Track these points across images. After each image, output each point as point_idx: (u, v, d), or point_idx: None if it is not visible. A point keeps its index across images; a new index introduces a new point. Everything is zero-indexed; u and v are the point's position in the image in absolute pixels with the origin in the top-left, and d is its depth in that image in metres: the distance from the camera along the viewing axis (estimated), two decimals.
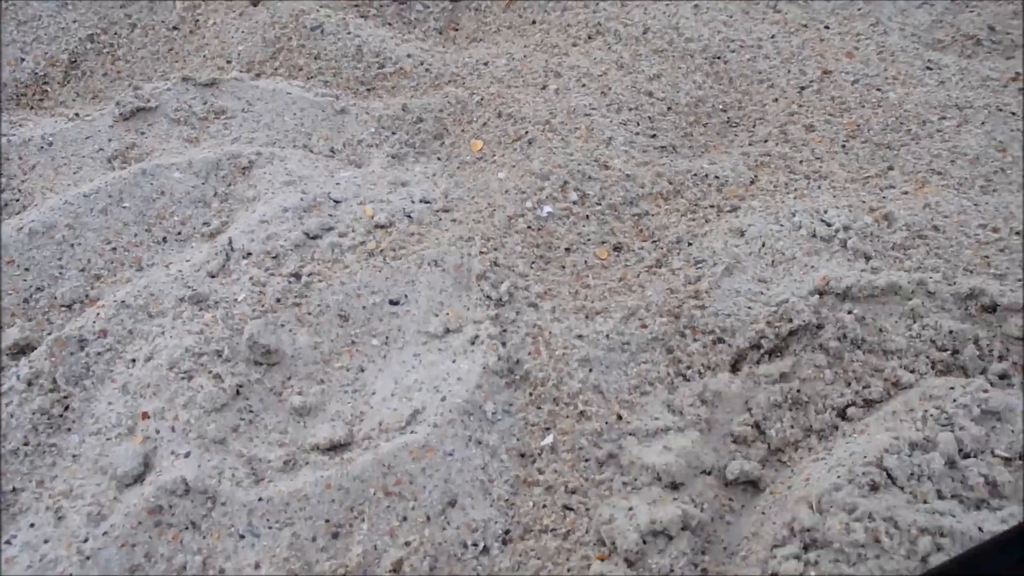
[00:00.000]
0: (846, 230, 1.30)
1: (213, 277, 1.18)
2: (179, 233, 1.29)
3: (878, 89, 1.64)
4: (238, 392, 1.04)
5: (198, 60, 1.74)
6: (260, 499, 0.93)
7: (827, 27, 1.83)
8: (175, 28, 1.80)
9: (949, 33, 1.83)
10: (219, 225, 1.30)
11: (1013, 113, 1.57)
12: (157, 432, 0.99)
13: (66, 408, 1.02)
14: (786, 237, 1.29)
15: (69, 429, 1.01)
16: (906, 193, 1.41)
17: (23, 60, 1.71)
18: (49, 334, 1.13)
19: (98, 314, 1.11)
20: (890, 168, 1.49)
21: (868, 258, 1.26)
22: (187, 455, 0.97)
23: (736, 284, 1.21)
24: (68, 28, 1.77)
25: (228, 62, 1.71)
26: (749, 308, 1.17)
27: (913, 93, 1.62)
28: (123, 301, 1.13)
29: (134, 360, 1.07)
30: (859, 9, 1.86)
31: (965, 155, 1.49)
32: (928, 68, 1.70)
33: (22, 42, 1.73)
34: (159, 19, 1.81)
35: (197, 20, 1.81)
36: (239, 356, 1.08)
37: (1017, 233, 1.32)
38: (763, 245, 1.27)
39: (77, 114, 1.53)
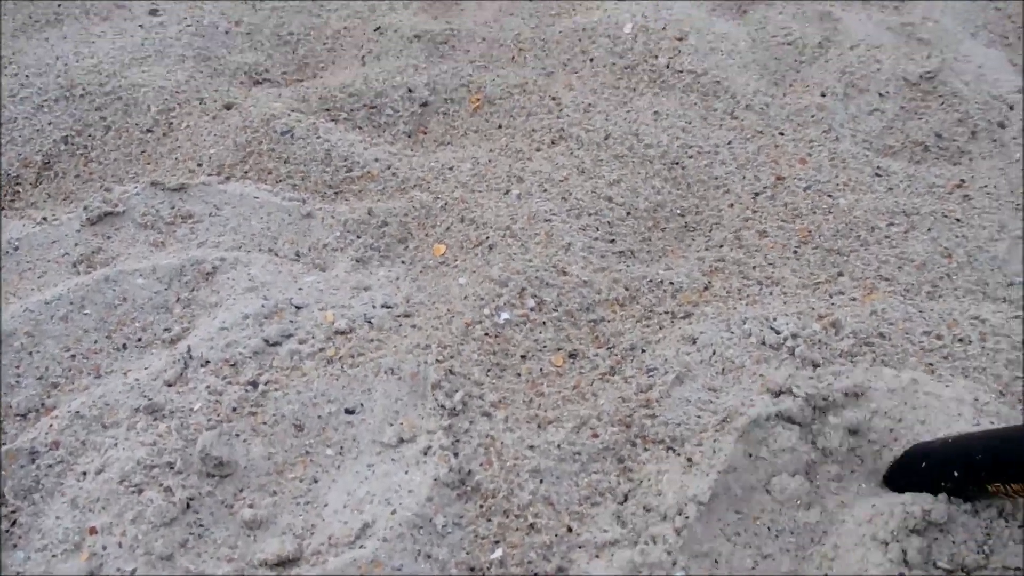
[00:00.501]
0: (795, 338, 1.33)
1: (170, 386, 1.19)
2: (139, 340, 1.31)
3: (829, 196, 1.70)
4: (188, 505, 1.05)
5: (170, 162, 1.78)
6: None
7: (782, 133, 1.89)
8: (149, 131, 1.84)
9: (899, 139, 1.91)
10: (180, 331, 1.32)
11: (958, 219, 1.63)
12: (104, 548, 0.99)
13: (13, 523, 1.02)
14: (736, 345, 1.32)
15: (15, 545, 1.01)
16: (854, 299, 1.46)
17: None
18: (2, 444, 1.13)
19: (51, 425, 1.11)
20: (840, 274, 1.53)
21: (816, 366, 1.29)
22: (133, 572, 0.97)
23: (686, 393, 1.24)
24: (43, 130, 1.81)
25: (199, 165, 1.75)
26: (698, 417, 1.19)
27: (863, 200, 1.68)
28: (77, 412, 1.14)
29: (85, 473, 1.07)
30: (812, 116, 1.93)
31: (912, 261, 1.54)
32: (878, 175, 1.77)
33: None
34: (133, 121, 1.85)
35: (171, 123, 1.86)
36: (191, 468, 1.09)
37: (960, 340, 1.36)
38: (714, 353, 1.30)
39: (45, 218, 1.56)
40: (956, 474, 1.03)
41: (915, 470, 1.10)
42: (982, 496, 1.05)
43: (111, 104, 1.87)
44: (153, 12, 2.19)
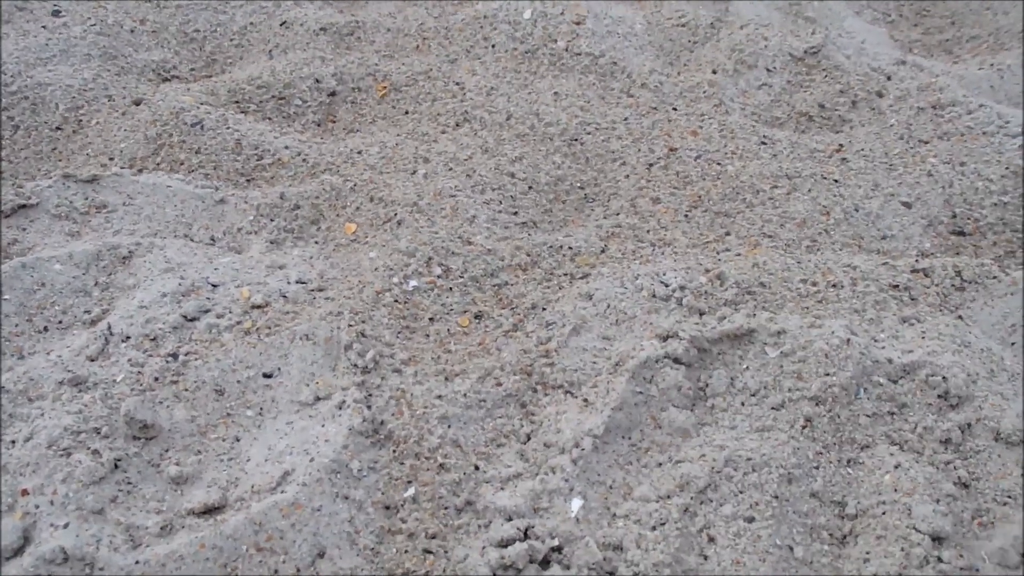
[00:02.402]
0: (682, 290, 1.44)
1: (92, 360, 1.24)
2: (60, 322, 1.36)
3: (718, 163, 1.82)
4: (116, 465, 1.11)
5: (81, 158, 1.81)
6: (137, 562, 1.00)
7: (675, 109, 2.02)
8: (58, 128, 1.87)
9: (785, 111, 2.05)
10: (100, 313, 1.37)
11: (836, 180, 1.77)
12: (36, 507, 1.05)
13: None
14: (629, 298, 1.43)
15: None
16: (739, 255, 1.58)
17: None
18: None
19: None
20: (727, 233, 1.66)
21: (702, 314, 1.41)
22: (66, 526, 1.02)
23: (582, 342, 1.34)
24: None
25: (111, 159, 1.79)
26: (594, 363, 1.30)
27: (749, 166, 1.81)
28: (2, 387, 1.18)
29: (13, 441, 1.12)
30: (704, 92, 2.06)
31: (793, 219, 1.68)
32: (764, 143, 1.90)
33: None
34: (42, 120, 1.88)
35: (80, 120, 1.89)
36: (117, 432, 1.15)
37: (834, 285, 1.49)
38: (608, 307, 1.41)
39: None
40: None
41: None
42: None
43: (18, 104, 1.90)
44: (56, 13, 2.20)
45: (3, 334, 1.31)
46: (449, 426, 1.19)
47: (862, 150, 1.84)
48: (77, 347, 1.26)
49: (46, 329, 1.34)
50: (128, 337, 1.28)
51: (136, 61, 2.10)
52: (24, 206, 1.56)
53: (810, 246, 1.61)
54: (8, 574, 0.98)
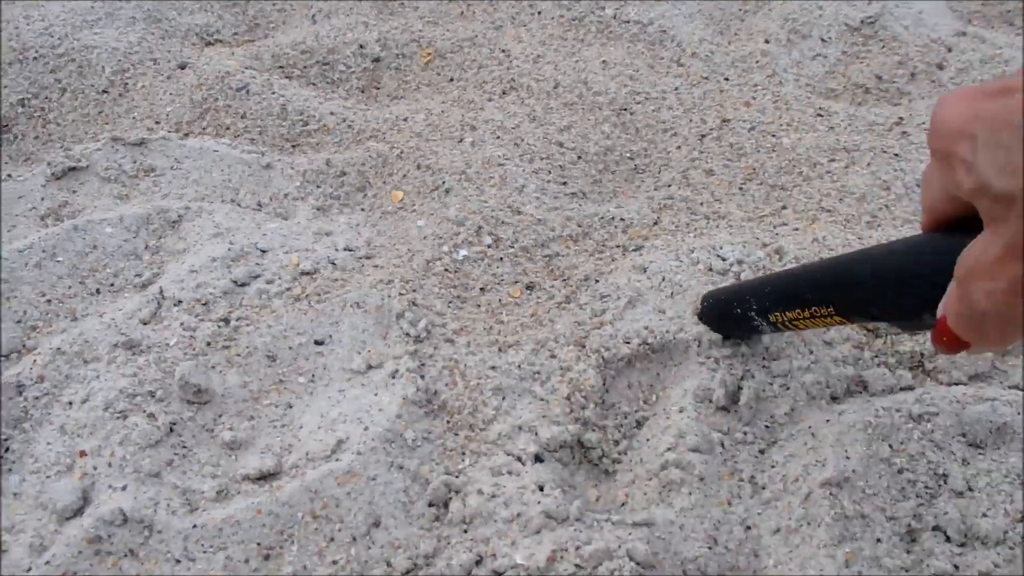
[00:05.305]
0: (740, 263, 1.41)
1: (145, 324, 1.24)
2: (112, 285, 1.35)
3: (773, 135, 1.78)
4: (171, 429, 1.11)
5: (127, 122, 1.81)
6: (194, 526, 1.00)
7: (727, 79, 1.97)
8: (104, 91, 1.87)
9: (841, 83, 2.00)
10: (150, 276, 1.37)
11: (896, 155, 1.73)
12: (95, 468, 1.05)
13: (7, 450, 1.07)
14: (684, 271, 1.40)
15: (10, 469, 1.06)
16: (796, 230, 1.54)
17: None
18: None
19: (35, 361, 1.16)
20: (783, 207, 1.62)
21: None
22: (124, 488, 1.02)
23: (637, 314, 1.32)
24: None
25: (157, 122, 1.79)
26: None
27: (805, 138, 1.76)
28: (59, 348, 1.18)
29: (71, 403, 1.12)
30: (756, 62, 2.01)
31: (852, 194, 1.63)
32: (820, 115, 1.86)
33: None
34: (88, 83, 1.87)
35: (126, 84, 1.88)
36: (172, 396, 1.14)
37: None
38: (663, 279, 1.38)
39: (9, 175, 1.59)
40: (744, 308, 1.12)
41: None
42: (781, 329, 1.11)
43: (65, 66, 1.89)
44: None
45: (57, 296, 1.31)
46: (504, 398, 1.18)
47: (923, 124, 1.79)
48: (130, 310, 1.26)
49: (98, 291, 1.34)
50: (180, 301, 1.27)
51: (180, 25, 2.09)
52: (74, 168, 1.56)
53: (870, 222, 1.57)
54: (68, 533, 0.98)
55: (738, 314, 1.14)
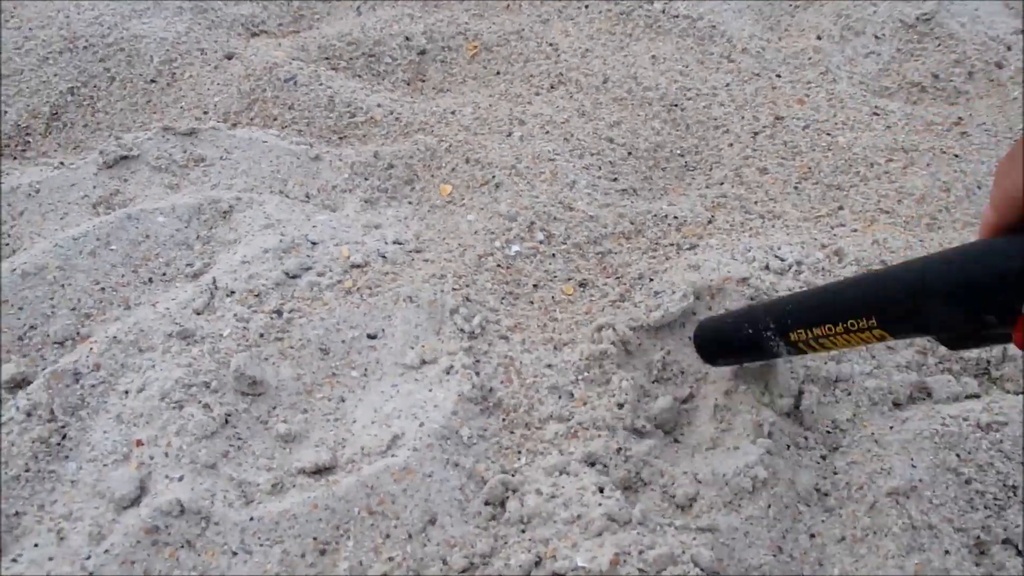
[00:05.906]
0: (799, 264, 1.39)
1: (199, 314, 1.23)
2: (164, 274, 1.35)
3: (828, 134, 1.75)
4: (227, 421, 1.10)
5: (175, 111, 1.81)
6: (251, 519, 0.99)
7: (779, 75, 1.94)
8: (153, 81, 1.87)
9: (895, 81, 1.96)
10: (202, 266, 1.36)
11: (956, 155, 1.69)
12: (151, 458, 1.04)
13: (63, 437, 1.07)
14: (741, 271, 1.37)
15: (67, 456, 1.06)
16: (855, 231, 1.51)
17: (6, 113, 1.77)
18: (44, 369, 1.18)
19: (91, 349, 1.16)
20: (840, 208, 1.59)
21: None
22: (180, 479, 1.02)
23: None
24: (49, 81, 1.83)
25: (205, 113, 1.78)
26: None
27: (861, 137, 1.73)
28: (114, 337, 1.18)
29: (127, 392, 1.12)
30: (809, 59, 1.98)
31: (911, 195, 1.60)
32: (875, 114, 1.82)
33: (4, 95, 1.79)
34: (137, 72, 1.87)
35: (174, 73, 1.88)
36: (226, 387, 1.14)
37: None
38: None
39: (62, 163, 1.59)
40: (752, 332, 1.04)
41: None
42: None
43: (114, 55, 1.89)
44: None
45: (111, 284, 1.31)
46: (559, 397, 1.16)
47: (983, 124, 1.75)
48: (183, 300, 1.25)
49: (151, 280, 1.33)
50: (232, 292, 1.27)
51: (226, 15, 2.08)
52: (125, 157, 1.56)
53: (930, 224, 1.53)
54: (126, 522, 0.98)
55: (749, 335, 1.05)
